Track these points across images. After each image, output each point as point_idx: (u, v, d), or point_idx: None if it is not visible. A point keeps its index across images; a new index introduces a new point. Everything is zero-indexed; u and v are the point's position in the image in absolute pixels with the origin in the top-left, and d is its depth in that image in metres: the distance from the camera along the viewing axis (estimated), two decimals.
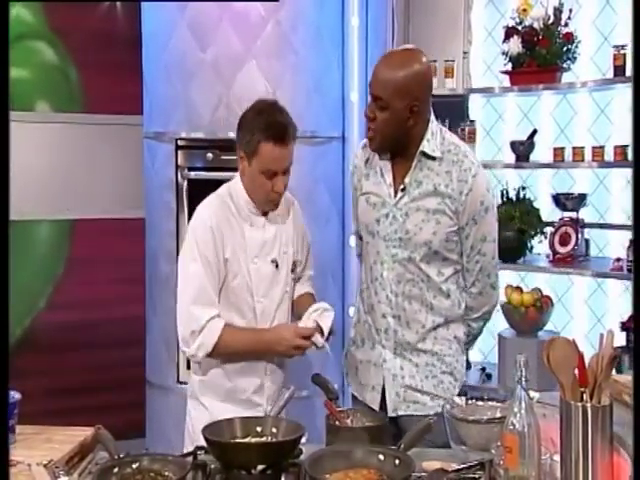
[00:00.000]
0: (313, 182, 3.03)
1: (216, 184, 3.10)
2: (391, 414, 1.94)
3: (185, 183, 3.06)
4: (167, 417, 3.10)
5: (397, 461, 1.43)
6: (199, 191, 3.13)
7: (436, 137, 1.93)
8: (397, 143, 1.92)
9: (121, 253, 3.57)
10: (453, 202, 1.90)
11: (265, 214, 2.00)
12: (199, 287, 1.91)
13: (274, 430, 1.57)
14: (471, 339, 2.09)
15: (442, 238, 1.91)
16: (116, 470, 1.43)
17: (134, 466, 1.45)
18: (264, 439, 1.56)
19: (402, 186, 1.93)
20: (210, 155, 3.03)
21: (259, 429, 1.58)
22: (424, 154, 1.92)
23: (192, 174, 3.05)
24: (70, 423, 1.72)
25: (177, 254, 3.05)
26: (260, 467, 1.46)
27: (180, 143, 3.06)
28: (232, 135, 3.01)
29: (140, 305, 3.28)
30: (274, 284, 1.99)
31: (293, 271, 2.05)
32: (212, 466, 1.51)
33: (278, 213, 2.03)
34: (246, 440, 1.56)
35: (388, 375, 1.96)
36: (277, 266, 2.00)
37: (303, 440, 1.54)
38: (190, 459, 1.52)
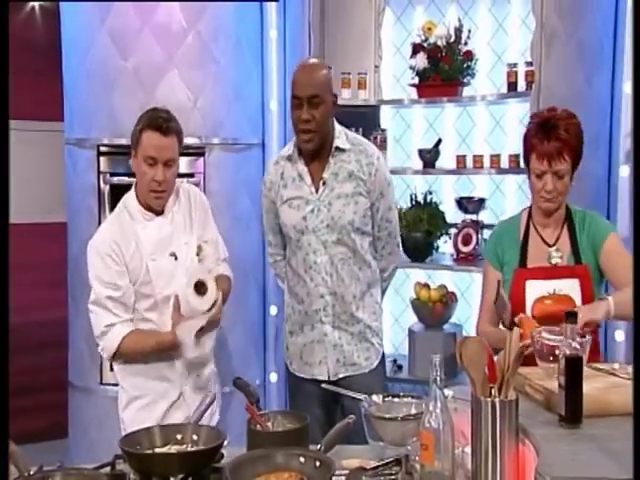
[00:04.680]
0: (234, 187, 2.93)
1: None
2: (332, 378, 2.15)
3: (107, 188, 2.89)
4: (90, 418, 2.91)
5: (318, 463, 1.35)
6: (121, 196, 2.97)
7: (342, 135, 2.17)
8: (324, 140, 2.12)
9: (43, 257, 3.37)
10: (365, 183, 2.14)
11: (160, 213, 1.99)
12: (102, 299, 1.95)
13: (195, 437, 1.45)
14: (383, 296, 2.32)
15: (361, 215, 2.14)
16: None
17: None
18: (184, 447, 1.44)
19: (322, 180, 2.13)
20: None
21: (179, 437, 1.45)
22: (337, 148, 2.14)
23: (114, 179, 2.88)
24: None
25: None
26: (180, 476, 1.33)
27: (102, 149, 2.89)
28: None
29: (62, 308, 3.07)
30: (174, 275, 1.97)
31: (199, 254, 2.02)
32: (131, 476, 1.37)
33: (174, 208, 2.01)
34: (165, 449, 1.42)
35: (330, 347, 2.16)
36: (176, 258, 1.98)
37: (225, 443, 1.43)
38: (108, 469, 1.38)
